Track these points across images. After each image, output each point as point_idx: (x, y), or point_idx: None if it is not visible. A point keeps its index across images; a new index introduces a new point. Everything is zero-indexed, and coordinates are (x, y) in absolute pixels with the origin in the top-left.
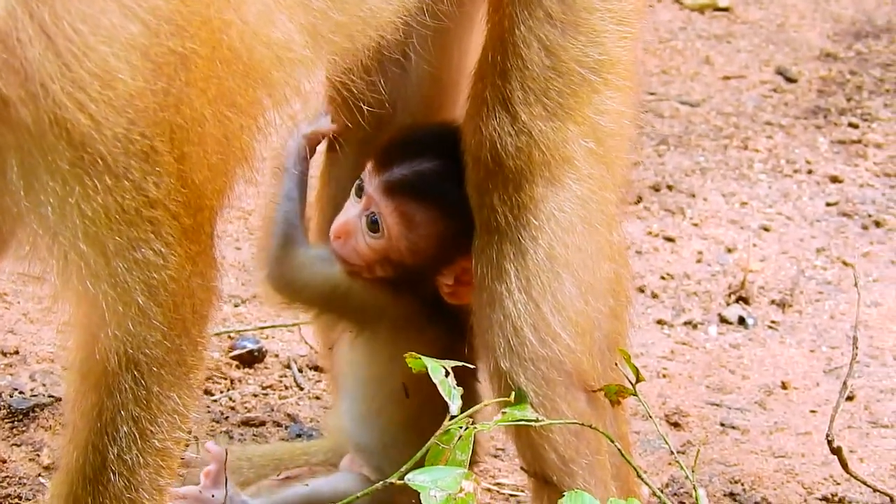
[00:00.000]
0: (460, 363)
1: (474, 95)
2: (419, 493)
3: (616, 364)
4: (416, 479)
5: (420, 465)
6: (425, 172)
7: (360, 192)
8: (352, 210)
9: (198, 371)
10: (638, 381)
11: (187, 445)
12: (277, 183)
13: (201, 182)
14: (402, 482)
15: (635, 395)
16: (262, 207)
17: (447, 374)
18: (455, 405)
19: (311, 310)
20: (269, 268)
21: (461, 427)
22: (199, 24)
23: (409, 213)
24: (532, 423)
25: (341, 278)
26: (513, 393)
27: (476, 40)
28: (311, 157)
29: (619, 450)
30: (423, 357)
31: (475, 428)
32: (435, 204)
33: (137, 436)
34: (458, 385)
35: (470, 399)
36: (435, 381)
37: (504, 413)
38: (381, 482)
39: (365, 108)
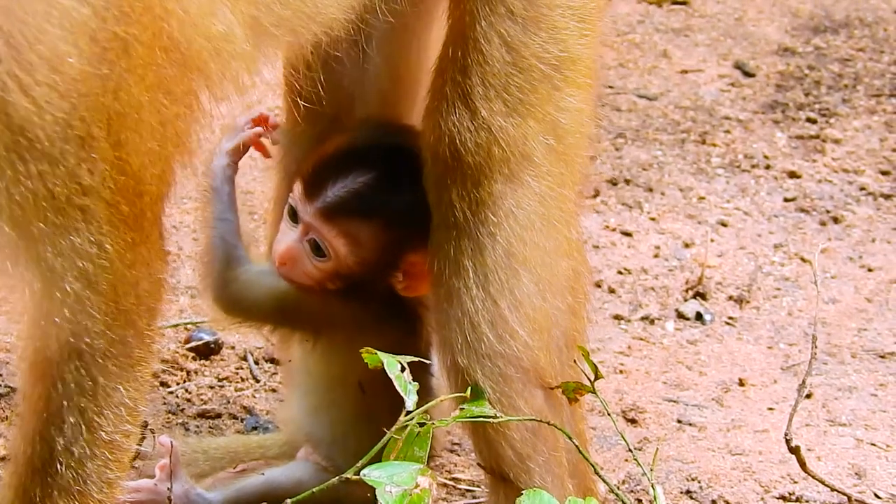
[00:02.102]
0: (416, 358)
1: (434, 91)
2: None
3: (574, 361)
4: (371, 474)
5: (376, 459)
6: (360, 189)
7: (293, 216)
8: (290, 235)
9: (146, 364)
10: (597, 378)
11: (143, 438)
12: (207, 205)
13: (139, 168)
14: (357, 477)
15: (594, 392)
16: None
17: (403, 369)
18: (410, 400)
19: (264, 326)
20: (215, 291)
21: (419, 423)
22: (142, 11)
23: (352, 232)
24: (490, 420)
25: (289, 291)
26: (468, 388)
27: (436, 35)
28: (236, 172)
29: (576, 446)
30: (378, 353)
31: (433, 424)
32: (377, 217)
33: (84, 427)
34: (413, 381)
35: (424, 394)
36: (391, 375)
37: (462, 409)
38: (338, 478)
39: (303, 103)
